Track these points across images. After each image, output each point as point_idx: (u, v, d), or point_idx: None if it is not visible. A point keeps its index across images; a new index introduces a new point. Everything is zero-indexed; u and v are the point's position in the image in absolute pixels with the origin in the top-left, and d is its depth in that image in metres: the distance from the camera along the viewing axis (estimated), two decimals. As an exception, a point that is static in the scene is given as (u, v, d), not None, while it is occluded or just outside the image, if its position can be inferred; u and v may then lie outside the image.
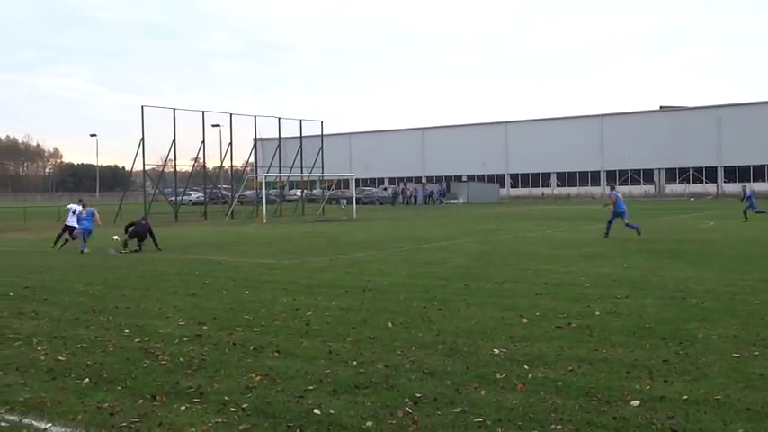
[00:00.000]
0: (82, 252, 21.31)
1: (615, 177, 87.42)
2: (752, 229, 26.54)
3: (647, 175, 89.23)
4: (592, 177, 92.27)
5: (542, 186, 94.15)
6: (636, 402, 5.88)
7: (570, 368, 6.99)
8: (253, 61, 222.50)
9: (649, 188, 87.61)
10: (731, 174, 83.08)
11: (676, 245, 20.42)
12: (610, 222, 23.68)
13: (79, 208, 23.22)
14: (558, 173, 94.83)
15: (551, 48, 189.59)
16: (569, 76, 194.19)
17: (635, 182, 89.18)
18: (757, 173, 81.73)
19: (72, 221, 23.00)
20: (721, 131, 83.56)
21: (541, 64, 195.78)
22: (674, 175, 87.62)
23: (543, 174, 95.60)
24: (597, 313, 9.82)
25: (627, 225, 23.35)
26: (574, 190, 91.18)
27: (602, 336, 8.41)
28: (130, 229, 22.10)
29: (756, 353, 7.42)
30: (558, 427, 5.37)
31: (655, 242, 21.57)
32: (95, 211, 23.56)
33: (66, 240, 22.93)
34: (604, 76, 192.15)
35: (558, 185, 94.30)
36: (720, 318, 9.30)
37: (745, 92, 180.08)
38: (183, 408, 5.99)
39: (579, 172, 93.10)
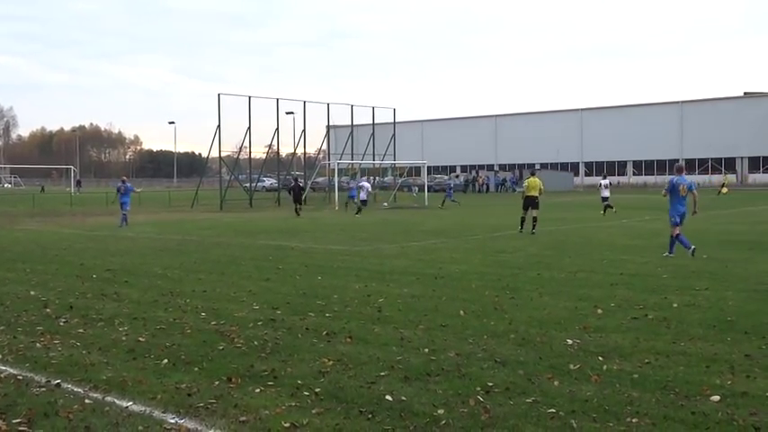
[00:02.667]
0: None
1: (695, 165, 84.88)
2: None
3: (728, 164, 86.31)
4: (670, 166, 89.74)
5: (618, 175, 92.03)
6: (716, 398, 5.70)
7: (647, 361, 6.83)
8: (325, 49, 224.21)
9: (731, 177, 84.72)
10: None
11: (759, 236, 19.70)
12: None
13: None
14: (634, 161, 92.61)
15: (628, 32, 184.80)
16: (648, 62, 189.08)
17: (716, 170, 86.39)
18: None
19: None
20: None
21: (618, 49, 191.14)
22: (757, 163, 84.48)
23: (619, 162, 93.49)
24: (675, 305, 9.56)
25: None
26: (651, 179, 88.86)
27: (680, 328, 8.19)
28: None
29: None
30: (634, 420, 5.25)
31: (736, 233, 20.87)
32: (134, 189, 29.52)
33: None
34: (685, 62, 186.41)
35: (634, 174, 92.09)
36: (807, 312, 8.93)
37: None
38: (258, 390, 6.10)
39: (657, 160, 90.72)
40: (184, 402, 5.82)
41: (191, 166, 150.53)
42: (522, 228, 21.56)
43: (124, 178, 31.19)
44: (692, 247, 14.96)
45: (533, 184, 22.04)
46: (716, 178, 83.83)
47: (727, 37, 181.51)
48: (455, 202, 43.79)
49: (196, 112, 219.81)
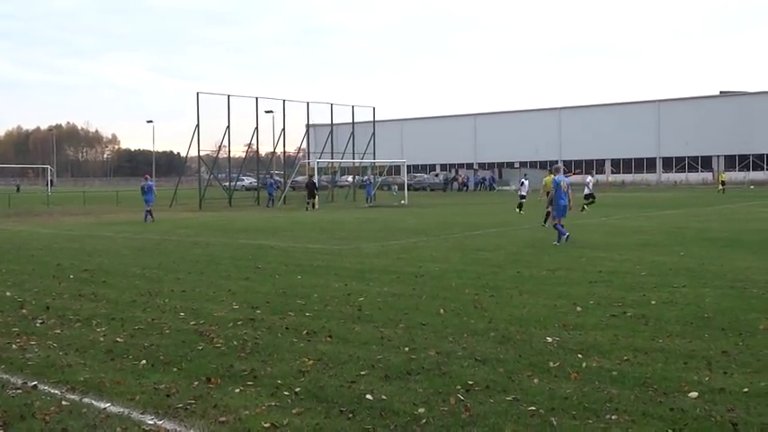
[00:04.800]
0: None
1: (672, 164, 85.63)
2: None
3: (704, 162, 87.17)
4: (647, 164, 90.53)
5: (596, 173, 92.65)
6: (694, 394, 5.75)
7: (626, 358, 6.87)
8: (304, 47, 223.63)
9: (707, 175, 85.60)
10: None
11: (736, 234, 19.89)
12: None
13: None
14: (612, 159, 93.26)
15: (607, 32, 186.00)
16: (626, 61, 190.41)
17: (692, 169, 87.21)
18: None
19: None
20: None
21: (596, 48, 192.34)
22: (733, 162, 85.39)
23: (597, 160, 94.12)
24: (653, 302, 9.63)
25: None
26: (629, 177, 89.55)
27: (658, 325, 8.25)
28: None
29: (821, 345, 7.18)
30: (613, 417, 5.28)
31: (713, 231, 21.07)
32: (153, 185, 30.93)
33: None
34: (662, 61, 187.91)
35: (612, 172, 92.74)
36: (783, 309, 9.03)
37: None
38: (238, 390, 6.06)
39: (635, 158, 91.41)
40: (163, 403, 5.77)
41: (169, 165, 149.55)
42: (546, 222, 22.79)
43: (147, 176, 33.16)
44: (566, 234, 17.57)
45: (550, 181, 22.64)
46: (692, 176, 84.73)
47: (704, 36, 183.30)
48: (372, 203, 44.25)
49: (175, 110, 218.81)
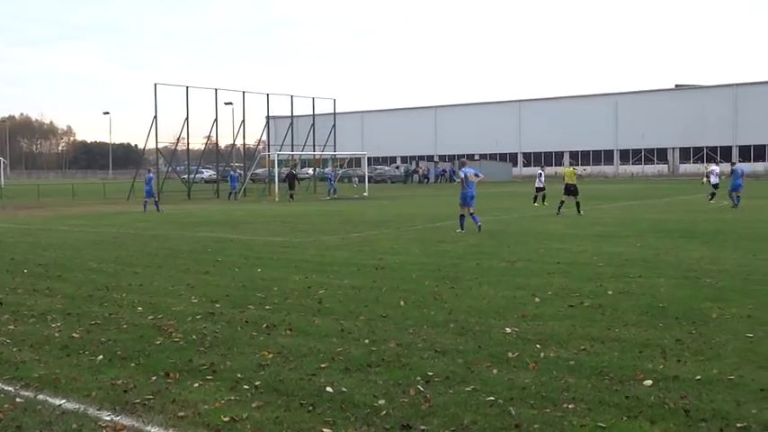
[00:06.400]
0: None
1: (629, 156, 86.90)
2: (767, 210, 26.36)
3: (660, 155, 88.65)
4: (605, 156, 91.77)
5: (555, 165, 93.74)
6: (649, 382, 5.86)
7: (583, 347, 6.97)
8: (265, 37, 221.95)
9: (663, 167, 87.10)
10: (746, 152, 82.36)
11: (690, 224, 20.30)
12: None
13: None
14: (571, 151, 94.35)
15: (566, 25, 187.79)
16: (584, 55, 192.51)
17: (648, 161, 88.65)
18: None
19: None
20: (737, 110, 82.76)
21: (556, 42, 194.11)
22: (688, 154, 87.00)
23: (556, 152, 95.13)
24: (610, 292, 9.79)
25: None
26: (587, 169, 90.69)
27: (614, 315, 8.39)
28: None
29: (771, 333, 7.37)
30: (570, 406, 5.36)
31: (668, 222, 21.46)
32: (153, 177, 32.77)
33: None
34: (620, 54, 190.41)
35: (571, 164, 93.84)
36: (734, 298, 9.24)
37: (764, 69, 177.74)
38: (197, 385, 6.02)
39: (593, 151, 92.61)
40: (120, 399, 5.71)
41: (126, 157, 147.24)
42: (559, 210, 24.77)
43: (150, 169, 36.68)
44: (463, 230, 18.67)
45: (569, 173, 25.79)
46: (649, 169, 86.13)
47: (660, 30, 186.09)
48: (332, 195, 44.39)
49: (132, 101, 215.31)
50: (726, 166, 57.30)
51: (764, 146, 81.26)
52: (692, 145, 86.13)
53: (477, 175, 19.76)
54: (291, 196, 41.63)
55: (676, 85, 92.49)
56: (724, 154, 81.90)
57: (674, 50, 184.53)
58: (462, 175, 19.59)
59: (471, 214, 19.08)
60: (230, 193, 44.20)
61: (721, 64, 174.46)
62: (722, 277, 10.86)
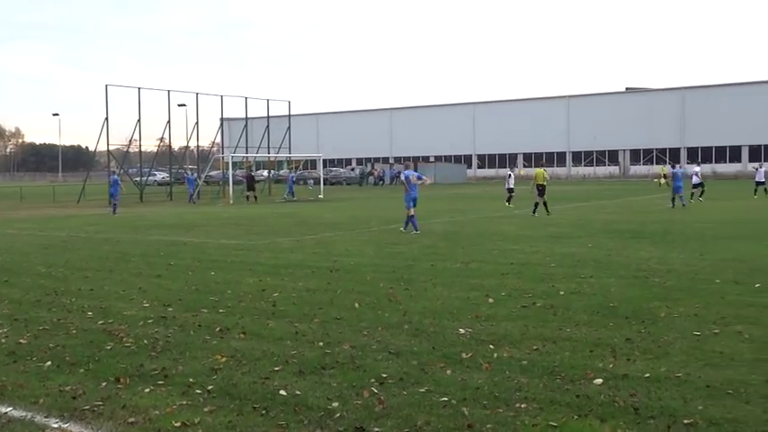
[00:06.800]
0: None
1: (581, 158, 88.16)
2: (713, 211, 26.99)
3: (612, 156, 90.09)
4: (558, 158, 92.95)
5: (509, 167, 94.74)
6: (599, 380, 5.95)
7: (535, 347, 7.05)
8: (218, 39, 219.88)
9: (614, 169, 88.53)
10: (694, 154, 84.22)
11: (640, 225, 20.67)
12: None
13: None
14: (524, 153, 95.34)
15: (520, 29, 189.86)
16: (537, 59, 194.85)
17: (600, 163, 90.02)
18: (720, 154, 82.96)
19: None
20: (685, 113, 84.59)
21: (510, 45, 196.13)
22: (638, 156, 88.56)
23: (510, 154, 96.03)
24: (562, 293, 9.92)
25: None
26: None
27: (566, 315, 8.50)
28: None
29: (716, 331, 7.54)
30: (522, 405, 5.41)
31: (619, 222, 21.83)
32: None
33: None
34: (571, 58, 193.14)
35: (524, 166, 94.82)
36: (682, 297, 9.44)
37: (711, 74, 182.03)
38: (148, 390, 5.94)
39: (545, 153, 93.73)
40: (69, 405, 5.60)
41: (77, 159, 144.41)
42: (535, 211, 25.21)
43: (114, 170, 37.02)
44: (419, 231, 18.85)
45: (540, 174, 26.12)
46: (600, 170, 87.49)
47: (612, 34, 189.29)
48: (288, 198, 44.14)
49: (82, 103, 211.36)
50: (687, 167, 58.72)
51: (711, 148, 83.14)
52: (642, 147, 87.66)
53: (420, 178, 20.31)
54: (253, 197, 41.83)
55: (627, 88, 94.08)
56: (673, 156, 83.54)
57: (625, 54, 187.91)
58: (403, 178, 20.21)
59: (412, 217, 19.42)
60: (190, 195, 43.51)
61: (670, 68, 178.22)
62: (670, 277, 11.09)
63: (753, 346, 6.96)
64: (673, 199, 28.86)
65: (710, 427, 4.92)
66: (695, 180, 33.25)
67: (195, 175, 48.17)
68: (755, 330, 7.54)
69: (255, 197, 42.04)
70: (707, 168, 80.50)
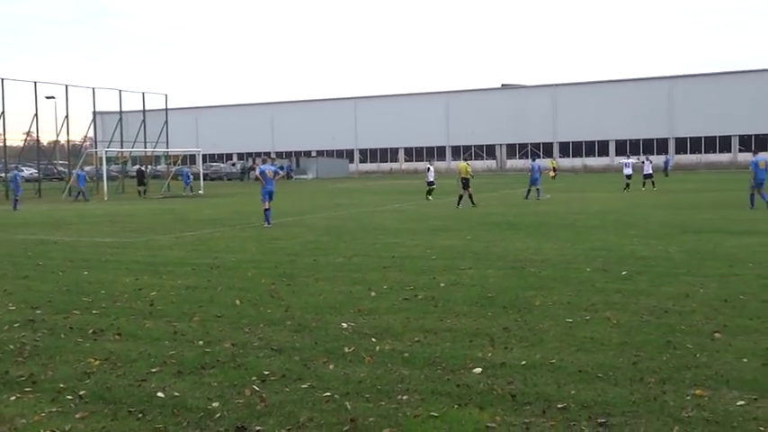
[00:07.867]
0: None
1: (460, 152, 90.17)
2: (583, 202, 28.23)
3: (489, 151, 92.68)
4: (438, 152, 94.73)
5: (390, 161, 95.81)
6: (478, 370, 6.09)
7: (416, 339, 7.15)
8: (87, 29, 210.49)
9: (491, 163, 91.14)
10: (566, 149, 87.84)
11: (517, 217, 21.35)
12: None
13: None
14: (405, 148, 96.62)
15: (399, 26, 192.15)
16: (416, 54, 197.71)
17: (478, 157, 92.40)
18: (589, 148, 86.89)
19: None
20: (556, 108, 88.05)
21: (390, 41, 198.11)
22: (514, 150, 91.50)
23: (391, 149, 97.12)
24: (442, 285, 10.10)
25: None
26: (421, 164, 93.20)
27: (446, 306, 8.66)
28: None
29: (588, 317, 7.89)
30: (404, 397, 5.47)
31: (496, 215, 22.47)
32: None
33: None
34: (450, 54, 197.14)
35: (405, 160, 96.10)
36: (555, 285, 9.81)
37: (580, 71, 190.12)
38: (14, 398, 5.62)
39: (426, 147, 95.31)
40: (-76, 418, 5.22)
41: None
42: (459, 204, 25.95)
43: (17, 166, 37.49)
44: (272, 224, 19.66)
45: (463, 167, 27.09)
46: (478, 164, 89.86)
47: (488, 31, 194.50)
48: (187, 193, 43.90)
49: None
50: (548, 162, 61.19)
51: (581, 143, 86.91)
52: (517, 141, 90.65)
53: (276, 173, 21.09)
54: (144, 192, 42.96)
55: (502, 85, 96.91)
56: (546, 150, 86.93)
57: (500, 51, 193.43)
58: (258, 172, 20.66)
59: (267, 210, 19.82)
60: (78, 192, 41.19)
61: (543, 65, 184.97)
62: (544, 266, 11.51)
63: (620, 330, 7.31)
64: (528, 191, 30.30)
65: (582, 410, 5.13)
66: (647, 170, 36.55)
67: (86, 170, 45.98)
68: (622, 316, 7.93)
69: (145, 192, 42.46)
70: (578, 162, 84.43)
